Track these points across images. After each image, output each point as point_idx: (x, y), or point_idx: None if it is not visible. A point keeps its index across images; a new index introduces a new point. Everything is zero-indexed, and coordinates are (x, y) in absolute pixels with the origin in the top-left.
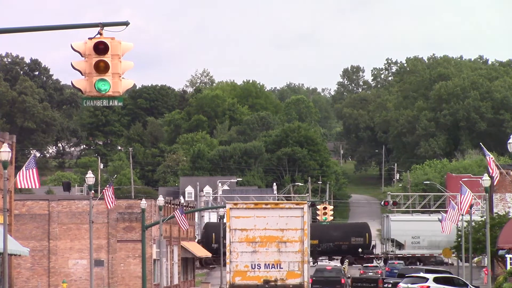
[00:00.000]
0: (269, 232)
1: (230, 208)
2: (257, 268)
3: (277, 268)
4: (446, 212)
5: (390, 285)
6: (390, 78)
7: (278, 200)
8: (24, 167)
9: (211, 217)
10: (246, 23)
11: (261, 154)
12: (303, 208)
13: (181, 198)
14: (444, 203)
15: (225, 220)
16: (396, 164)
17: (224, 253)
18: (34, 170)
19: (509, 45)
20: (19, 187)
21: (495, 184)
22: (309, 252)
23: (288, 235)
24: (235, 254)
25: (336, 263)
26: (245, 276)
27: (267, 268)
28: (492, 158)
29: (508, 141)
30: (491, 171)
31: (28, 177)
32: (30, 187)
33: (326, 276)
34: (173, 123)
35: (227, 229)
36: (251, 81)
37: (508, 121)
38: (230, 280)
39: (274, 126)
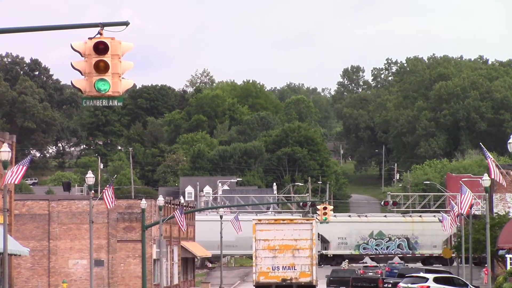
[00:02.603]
0: (286, 242)
1: (255, 223)
2: (277, 269)
3: (292, 269)
4: (446, 212)
5: (390, 285)
6: (390, 78)
7: (278, 200)
8: (19, 163)
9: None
10: (246, 23)
11: (261, 154)
12: (312, 223)
13: (181, 198)
14: (444, 203)
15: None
16: (396, 164)
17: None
18: (24, 167)
19: (509, 45)
20: (3, 183)
21: (500, 183)
22: (317, 257)
23: (300, 244)
24: (259, 259)
25: None
26: (267, 276)
27: (284, 270)
28: (491, 158)
29: (508, 141)
30: (493, 174)
31: (15, 173)
32: (11, 182)
33: (342, 276)
34: (173, 123)
35: (253, 240)
36: (251, 81)
37: (508, 121)
38: (256, 279)
39: (274, 126)
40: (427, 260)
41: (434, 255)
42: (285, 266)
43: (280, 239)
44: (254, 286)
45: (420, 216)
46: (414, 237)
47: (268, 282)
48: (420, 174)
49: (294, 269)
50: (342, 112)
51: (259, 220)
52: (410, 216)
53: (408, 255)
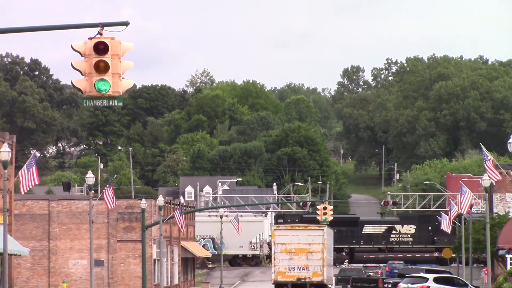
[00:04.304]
0: (301, 246)
1: (274, 229)
2: (292, 269)
3: (306, 270)
4: (446, 212)
5: (390, 285)
6: (390, 78)
7: (278, 200)
8: (25, 167)
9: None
10: (246, 23)
11: (261, 154)
12: (323, 229)
13: (181, 198)
14: (444, 203)
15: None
16: (396, 164)
17: None
18: (34, 168)
19: (509, 45)
20: (23, 192)
21: (500, 182)
22: (329, 259)
23: (313, 248)
24: (277, 260)
25: None
26: (284, 275)
27: (299, 270)
28: (491, 159)
29: (508, 141)
30: (492, 175)
31: (29, 177)
32: (31, 187)
33: (349, 275)
34: (173, 123)
35: (272, 243)
36: (251, 81)
37: (508, 121)
38: (274, 278)
39: (274, 126)
40: (233, 260)
41: (241, 255)
42: (300, 267)
43: (295, 243)
44: (272, 284)
45: (227, 216)
46: (219, 238)
47: (285, 280)
48: (420, 174)
49: (308, 270)
50: (342, 112)
51: (278, 226)
52: (216, 216)
53: (213, 255)
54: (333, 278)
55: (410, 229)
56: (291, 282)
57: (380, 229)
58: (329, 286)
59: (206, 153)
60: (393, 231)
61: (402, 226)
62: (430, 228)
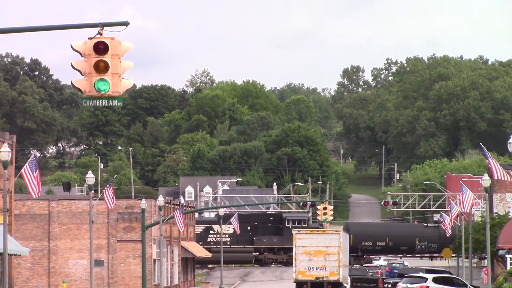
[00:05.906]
0: (319, 248)
1: (295, 233)
2: (312, 269)
3: (323, 270)
4: (446, 212)
5: (390, 285)
6: (390, 78)
7: (278, 200)
8: (28, 168)
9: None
10: (246, 23)
11: (261, 154)
12: (340, 233)
13: (181, 198)
14: (444, 203)
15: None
16: (396, 164)
17: None
18: (37, 172)
19: (509, 45)
20: (35, 196)
21: (504, 181)
22: (345, 260)
23: (330, 250)
24: (298, 261)
25: None
26: (304, 274)
27: (317, 270)
28: (492, 158)
29: (508, 141)
30: (495, 173)
31: (33, 181)
32: (40, 190)
33: (353, 274)
34: (173, 123)
35: (294, 246)
36: (251, 81)
37: (508, 121)
38: (295, 277)
39: (274, 126)
40: None
41: None
42: (318, 267)
43: (314, 246)
44: (293, 282)
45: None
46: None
47: (305, 279)
48: (420, 174)
49: (325, 270)
50: (342, 112)
51: (299, 230)
52: None
53: None
54: (348, 278)
55: (229, 229)
56: (311, 281)
57: (197, 228)
58: (344, 284)
59: (206, 153)
60: (211, 231)
61: (221, 226)
62: (249, 228)
